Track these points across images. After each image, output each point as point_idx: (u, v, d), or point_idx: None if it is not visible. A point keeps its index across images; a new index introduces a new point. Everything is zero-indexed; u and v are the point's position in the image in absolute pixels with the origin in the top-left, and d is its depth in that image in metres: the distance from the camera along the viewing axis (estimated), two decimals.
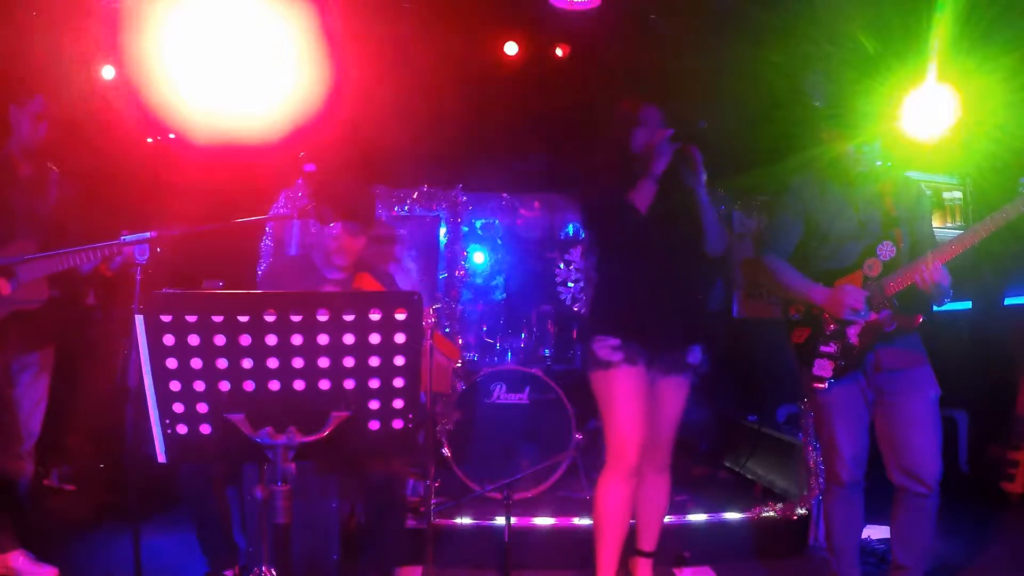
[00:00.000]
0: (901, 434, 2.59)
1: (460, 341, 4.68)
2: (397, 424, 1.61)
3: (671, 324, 2.69)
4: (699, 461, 4.62)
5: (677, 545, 3.25)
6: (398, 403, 1.59)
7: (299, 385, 1.54)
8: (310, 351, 1.52)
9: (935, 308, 2.64)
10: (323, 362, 1.53)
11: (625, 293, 2.74)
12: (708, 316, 2.90)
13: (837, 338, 2.62)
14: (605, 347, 2.66)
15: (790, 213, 2.76)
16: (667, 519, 2.97)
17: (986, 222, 2.40)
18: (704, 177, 2.66)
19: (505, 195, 5.12)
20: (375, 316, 1.52)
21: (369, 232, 2.75)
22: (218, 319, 1.48)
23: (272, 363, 1.52)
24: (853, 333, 2.60)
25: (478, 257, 5.12)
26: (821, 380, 2.63)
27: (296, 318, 1.49)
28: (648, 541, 2.87)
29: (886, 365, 2.60)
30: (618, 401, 2.64)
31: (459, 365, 4.08)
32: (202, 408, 1.54)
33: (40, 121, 2.90)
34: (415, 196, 4.76)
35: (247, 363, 1.51)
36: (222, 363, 1.51)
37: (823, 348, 2.64)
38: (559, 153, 4.53)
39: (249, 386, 1.53)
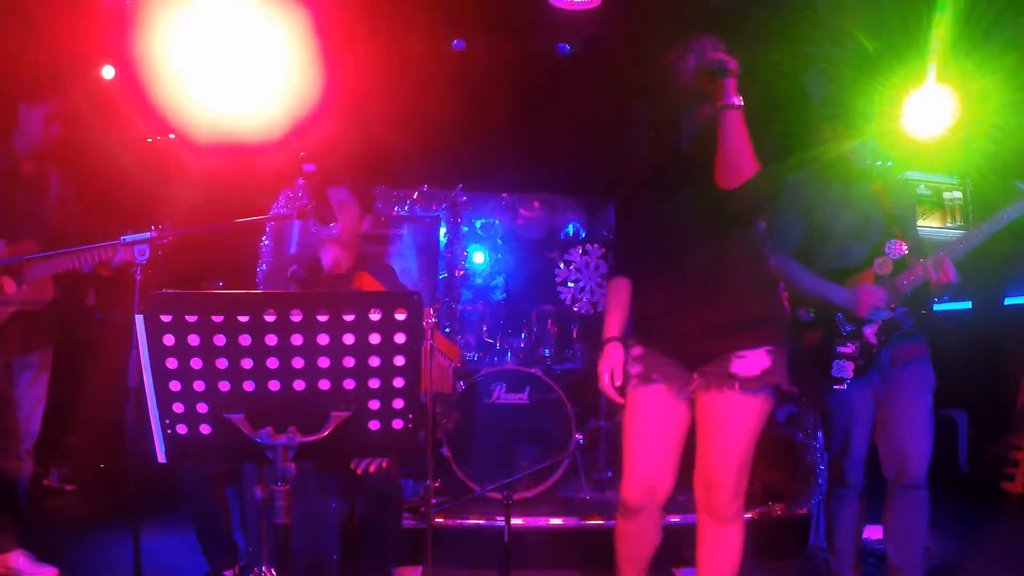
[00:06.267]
0: (894, 422, 2.60)
1: (460, 340, 4.68)
2: (397, 424, 1.61)
3: (695, 320, 2.10)
4: None
5: (677, 545, 3.25)
6: (398, 403, 1.59)
7: (299, 385, 1.54)
8: (310, 351, 1.52)
9: (934, 305, 2.64)
10: (323, 362, 1.53)
11: (642, 282, 2.27)
12: (770, 305, 2.16)
13: (855, 338, 2.61)
14: (630, 356, 2.24)
15: (791, 212, 2.74)
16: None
17: (991, 222, 2.42)
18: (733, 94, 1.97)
19: (505, 195, 5.12)
20: (375, 316, 1.52)
21: (366, 207, 2.76)
22: (218, 319, 1.48)
23: (272, 363, 1.52)
24: (871, 332, 2.59)
25: (478, 257, 5.12)
26: (840, 381, 2.60)
27: (296, 318, 1.49)
28: None
29: (899, 359, 2.60)
30: (625, 427, 2.21)
31: (459, 365, 4.08)
32: (202, 408, 1.54)
33: (52, 122, 2.89)
34: (415, 196, 4.76)
35: (247, 363, 1.51)
36: (222, 363, 1.51)
37: (841, 349, 2.62)
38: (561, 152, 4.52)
39: (249, 386, 1.53)
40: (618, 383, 2.21)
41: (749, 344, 2.07)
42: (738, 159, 1.98)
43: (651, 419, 2.18)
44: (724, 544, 2.17)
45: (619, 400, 2.22)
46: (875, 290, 2.56)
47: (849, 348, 2.61)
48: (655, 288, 2.20)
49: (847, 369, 2.60)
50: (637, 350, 2.23)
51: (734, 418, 2.09)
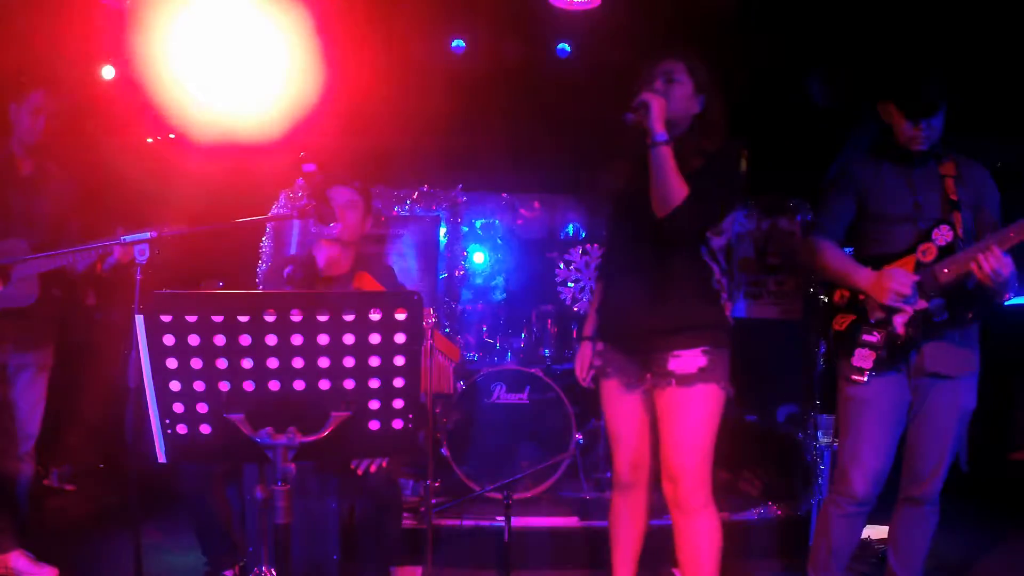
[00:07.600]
0: (914, 436, 2.50)
1: (460, 340, 4.68)
2: (397, 424, 1.61)
3: (640, 326, 2.31)
4: None
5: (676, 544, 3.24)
6: (398, 403, 1.59)
7: (299, 385, 1.54)
8: (310, 351, 1.52)
9: (995, 303, 2.37)
10: (323, 362, 1.53)
11: (606, 288, 2.51)
12: (708, 314, 2.30)
13: (882, 327, 2.42)
14: (596, 351, 2.52)
15: (843, 193, 2.58)
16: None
17: None
18: (657, 126, 2.15)
19: (505, 195, 5.12)
20: (375, 316, 1.52)
21: (368, 207, 2.78)
22: (218, 319, 1.48)
23: (272, 363, 1.52)
24: (900, 322, 2.38)
25: (478, 257, 5.11)
26: (860, 372, 2.43)
27: (296, 318, 1.49)
28: None
29: (932, 367, 2.41)
30: (604, 414, 2.51)
31: (459, 362, 4.08)
32: (202, 408, 1.54)
33: (38, 115, 2.89)
34: (415, 196, 4.75)
35: (247, 363, 1.51)
36: (222, 363, 1.50)
37: (865, 337, 2.43)
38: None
39: (249, 386, 1.53)
40: (584, 375, 2.58)
41: (685, 345, 2.25)
42: (663, 192, 2.18)
43: (611, 409, 2.47)
44: (694, 536, 2.26)
45: (589, 386, 2.58)
46: (902, 275, 2.35)
47: (874, 337, 2.42)
48: (613, 295, 2.45)
49: (868, 359, 2.42)
50: (600, 346, 2.51)
51: (678, 412, 2.25)
